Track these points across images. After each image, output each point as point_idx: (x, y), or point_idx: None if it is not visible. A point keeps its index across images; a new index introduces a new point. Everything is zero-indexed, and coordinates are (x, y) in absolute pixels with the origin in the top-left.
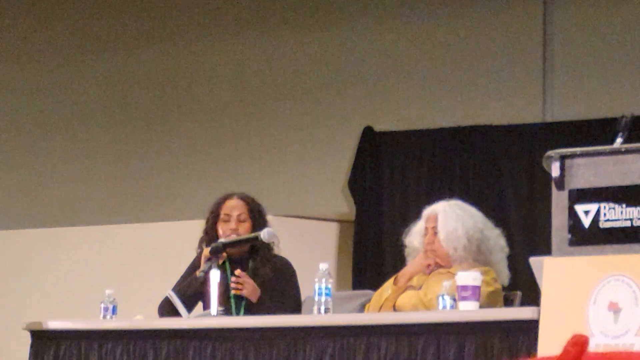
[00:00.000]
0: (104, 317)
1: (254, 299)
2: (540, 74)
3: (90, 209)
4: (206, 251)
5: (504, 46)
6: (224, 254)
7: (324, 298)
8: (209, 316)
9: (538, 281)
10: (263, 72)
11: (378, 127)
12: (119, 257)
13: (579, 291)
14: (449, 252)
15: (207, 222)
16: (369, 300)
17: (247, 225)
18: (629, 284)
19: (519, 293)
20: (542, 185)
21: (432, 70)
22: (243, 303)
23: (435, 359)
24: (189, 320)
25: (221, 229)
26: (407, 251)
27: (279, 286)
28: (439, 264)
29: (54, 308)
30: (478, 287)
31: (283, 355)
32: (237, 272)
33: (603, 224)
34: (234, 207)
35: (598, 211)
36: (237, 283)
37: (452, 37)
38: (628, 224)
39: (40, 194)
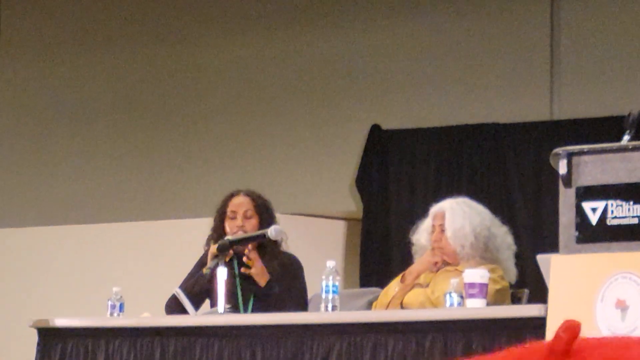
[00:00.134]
0: (111, 314)
1: (262, 282)
2: (547, 72)
3: (97, 206)
4: (213, 248)
5: (511, 44)
6: (231, 251)
7: (332, 295)
8: (216, 314)
9: (545, 279)
10: (270, 70)
11: (385, 125)
12: (126, 255)
13: (586, 289)
14: (456, 249)
15: (214, 220)
16: (376, 298)
17: (254, 221)
18: (636, 282)
19: (526, 291)
20: (549, 182)
21: (440, 69)
22: (250, 300)
23: (443, 356)
24: (196, 317)
25: (228, 226)
26: (414, 249)
27: (286, 282)
28: (446, 262)
29: (61, 306)
30: (485, 285)
31: (290, 353)
32: (247, 250)
33: (610, 222)
34: (240, 204)
35: (605, 208)
36: (248, 260)
37: (459, 36)
38: (635, 221)
39: (45, 192)
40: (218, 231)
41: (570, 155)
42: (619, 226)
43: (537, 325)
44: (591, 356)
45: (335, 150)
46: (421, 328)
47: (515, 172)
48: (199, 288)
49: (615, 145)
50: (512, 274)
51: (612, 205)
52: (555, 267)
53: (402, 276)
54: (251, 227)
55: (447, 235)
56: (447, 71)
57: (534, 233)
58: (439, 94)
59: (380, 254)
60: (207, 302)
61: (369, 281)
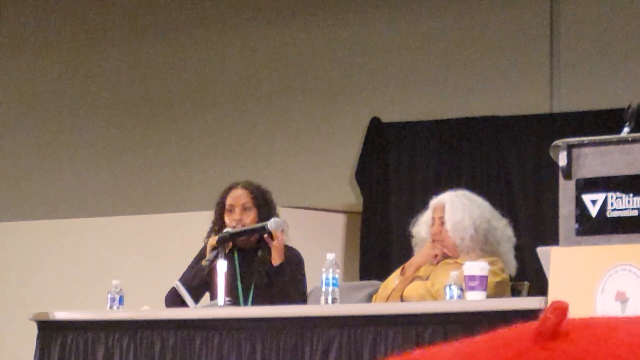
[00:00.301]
0: (111, 307)
1: (277, 260)
2: (547, 65)
3: (97, 200)
4: (212, 240)
5: (511, 37)
6: (230, 244)
7: (331, 288)
8: (216, 306)
9: (545, 271)
10: (270, 63)
11: (385, 118)
12: (126, 248)
13: (586, 281)
14: (456, 242)
15: (214, 213)
16: (376, 291)
17: (252, 214)
18: (636, 274)
19: (526, 283)
20: (549, 175)
21: (440, 62)
22: (250, 293)
23: None
24: (196, 310)
25: (227, 219)
26: (414, 241)
27: (287, 274)
28: (446, 254)
29: (61, 299)
30: (485, 277)
31: (290, 346)
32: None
33: (610, 214)
34: (238, 197)
35: (605, 201)
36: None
37: (459, 29)
38: (635, 213)
39: (45, 185)
40: (218, 224)
41: (570, 148)
42: (619, 218)
43: (537, 318)
44: (580, 337)
45: (335, 143)
46: (421, 320)
47: (515, 165)
48: (198, 281)
49: (615, 137)
50: (512, 266)
51: (612, 197)
52: (555, 259)
53: (402, 269)
54: (250, 220)
55: (447, 228)
56: (447, 64)
57: (534, 225)
58: (439, 86)
59: (380, 247)
60: (208, 295)
61: (369, 274)
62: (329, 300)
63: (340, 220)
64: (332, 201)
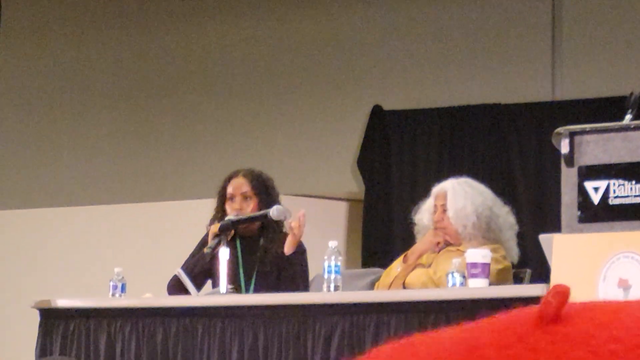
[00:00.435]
0: (113, 295)
1: (289, 249)
2: (549, 52)
3: (99, 188)
4: (214, 228)
5: (513, 24)
6: (232, 231)
7: (334, 275)
8: (219, 294)
9: (548, 258)
10: (272, 51)
11: (387, 106)
12: (128, 236)
13: (588, 268)
14: (458, 229)
15: (216, 202)
16: (378, 278)
17: (252, 203)
18: (638, 261)
19: (528, 270)
20: (551, 163)
21: (441, 49)
22: (252, 281)
23: None
24: (198, 298)
25: (228, 208)
26: (416, 229)
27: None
28: (448, 242)
29: (63, 286)
30: (487, 265)
31: (292, 333)
32: (301, 213)
33: (612, 201)
34: (238, 186)
35: (607, 188)
36: (298, 221)
37: (461, 16)
38: (638, 200)
39: (47, 174)
40: (220, 212)
41: (572, 135)
42: (621, 205)
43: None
44: (581, 320)
45: (336, 131)
46: (423, 308)
47: (517, 153)
48: (199, 268)
49: (617, 124)
50: (515, 253)
51: (614, 184)
52: (558, 246)
53: (405, 256)
54: (250, 209)
55: (449, 215)
56: (449, 52)
57: (536, 213)
58: (441, 74)
59: (382, 235)
60: (210, 282)
61: (371, 261)
62: (331, 288)
63: (342, 207)
64: (334, 189)
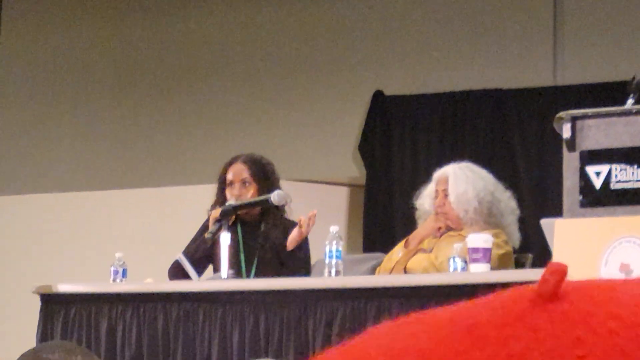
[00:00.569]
0: (114, 280)
1: (292, 245)
2: (551, 37)
3: (100, 173)
4: (215, 213)
5: (514, 9)
6: (233, 216)
7: (335, 260)
8: (220, 279)
9: (549, 243)
10: (273, 37)
11: (388, 91)
12: (129, 221)
13: (590, 253)
14: (460, 214)
15: (217, 187)
16: (379, 263)
17: (252, 189)
18: None
19: (530, 255)
20: (553, 148)
21: (443, 34)
22: (253, 266)
23: None
24: (199, 283)
25: (228, 194)
26: (417, 214)
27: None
28: (450, 227)
29: (64, 272)
30: (489, 250)
31: (294, 318)
32: (312, 213)
33: (614, 185)
34: (238, 172)
35: (609, 172)
36: (309, 219)
37: (462, 1)
38: (639, 185)
39: (48, 159)
40: (220, 198)
41: (574, 119)
42: (623, 190)
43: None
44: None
45: (338, 116)
46: (425, 293)
47: (518, 138)
48: (200, 253)
49: (619, 109)
50: (516, 238)
51: (616, 169)
52: (559, 231)
53: (406, 241)
54: (249, 195)
55: (450, 200)
56: (450, 37)
57: (538, 197)
58: (442, 59)
59: (383, 220)
60: (211, 267)
61: (372, 246)
62: (333, 273)
63: (343, 193)
64: (335, 174)
